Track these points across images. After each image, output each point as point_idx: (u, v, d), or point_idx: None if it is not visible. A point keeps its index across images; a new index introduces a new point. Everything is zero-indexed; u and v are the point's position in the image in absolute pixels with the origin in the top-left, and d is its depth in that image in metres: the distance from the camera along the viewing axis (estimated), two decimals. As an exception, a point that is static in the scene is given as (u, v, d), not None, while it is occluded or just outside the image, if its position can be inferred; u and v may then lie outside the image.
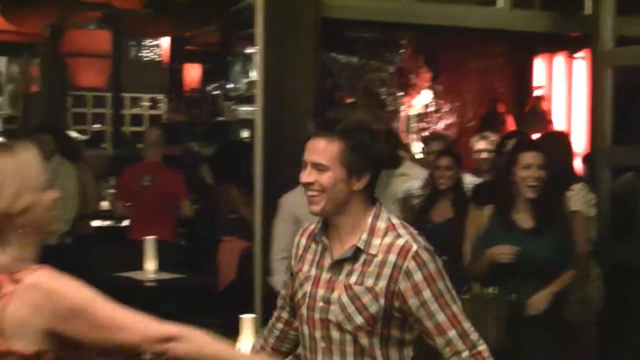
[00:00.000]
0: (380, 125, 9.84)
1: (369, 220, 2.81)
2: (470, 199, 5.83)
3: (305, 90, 6.24)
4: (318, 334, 2.83)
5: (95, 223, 9.05)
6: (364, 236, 2.79)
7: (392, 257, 2.74)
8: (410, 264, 2.72)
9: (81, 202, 7.72)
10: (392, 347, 2.79)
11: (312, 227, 3.05)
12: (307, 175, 2.82)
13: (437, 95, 10.02)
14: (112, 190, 10.56)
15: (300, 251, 3.03)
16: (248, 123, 13.84)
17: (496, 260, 4.88)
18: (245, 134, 13.52)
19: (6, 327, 2.07)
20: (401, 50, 10.01)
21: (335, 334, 2.79)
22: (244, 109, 14.38)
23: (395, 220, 2.84)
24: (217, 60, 15.13)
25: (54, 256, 7.07)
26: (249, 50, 15.17)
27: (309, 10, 6.27)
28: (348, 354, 2.78)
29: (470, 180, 6.22)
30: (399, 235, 2.78)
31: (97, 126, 18.97)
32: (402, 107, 10.06)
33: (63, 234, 7.41)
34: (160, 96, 18.45)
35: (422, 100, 10.06)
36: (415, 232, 2.84)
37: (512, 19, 7.01)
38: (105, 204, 9.98)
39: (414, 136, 10.06)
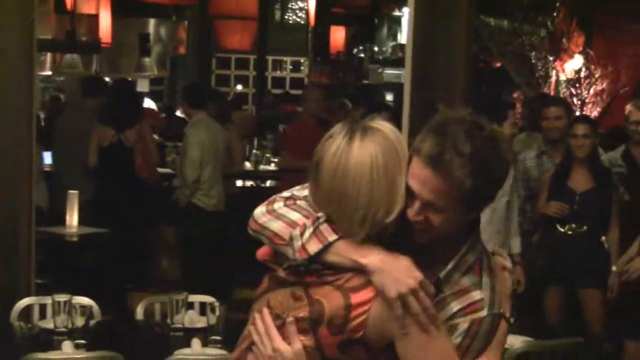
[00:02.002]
0: (530, 91, 9.61)
1: (464, 248, 2.18)
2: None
3: (457, 54, 6.09)
4: None
5: (239, 183, 9.19)
6: (450, 267, 2.16)
7: (454, 305, 2.14)
8: (463, 325, 2.13)
9: (227, 162, 7.81)
10: None
11: None
12: (416, 213, 2.11)
13: (589, 60, 9.68)
14: (256, 151, 10.74)
15: None
16: (394, 86, 13.79)
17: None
18: (390, 97, 13.46)
19: (369, 323, 2.06)
20: (554, 13, 9.71)
21: None
22: (390, 72, 14.31)
23: (485, 260, 2.20)
24: (363, 22, 15.07)
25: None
26: (396, 13, 15.08)
27: (461, -29, 6.12)
28: None
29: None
30: (479, 285, 2.16)
31: (239, 88, 19.25)
32: (552, 72, 9.76)
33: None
34: (303, 59, 18.55)
35: (573, 65, 9.74)
36: (497, 285, 2.20)
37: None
38: (248, 165, 10.13)
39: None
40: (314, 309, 2.08)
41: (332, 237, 2.10)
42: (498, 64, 11.31)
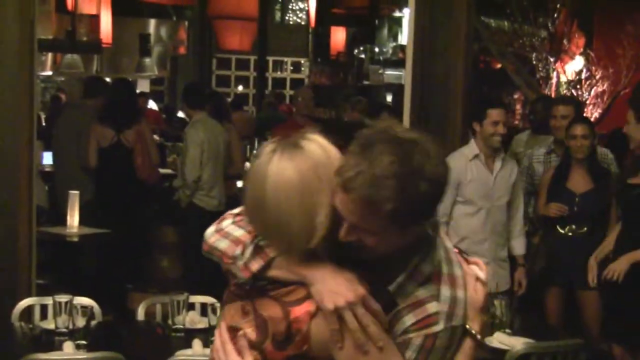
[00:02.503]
0: (530, 92, 9.61)
1: (415, 259, 2.06)
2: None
3: (456, 54, 6.11)
4: None
5: (239, 184, 9.18)
6: (401, 279, 2.05)
7: (408, 319, 2.04)
8: (417, 340, 2.03)
9: (227, 163, 7.80)
10: None
11: None
12: (346, 234, 1.99)
13: (590, 62, 9.68)
14: (256, 152, 10.75)
15: None
16: (394, 87, 13.80)
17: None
18: (389, 98, 13.47)
19: (312, 339, 2.00)
20: (555, 15, 9.71)
21: None
22: (391, 73, 14.34)
23: (445, 269, 2.08)
24: (363, 23, 15.07)
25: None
26: (396, 14, 15.08)
27: (462, -29, 6.12)
28: None
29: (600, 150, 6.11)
30: (436, 297, 2.05)
31: (240, 88, 19.25)
32: (553, 74, 9.77)
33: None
34: (303, 60, 18.55)
35: (574, 66, 9.75)
36: (461, 297, 2.07)
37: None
38: (248, 166, 10.13)
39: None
40: (257, 324, 2.05)
41: (273, 252, 2.04)
42: (498, 65, 11.32)
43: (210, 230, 2.21)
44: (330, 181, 1.97)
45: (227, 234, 2.16)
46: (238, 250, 2.08)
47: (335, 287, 1.98)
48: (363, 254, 2.03)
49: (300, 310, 2.00)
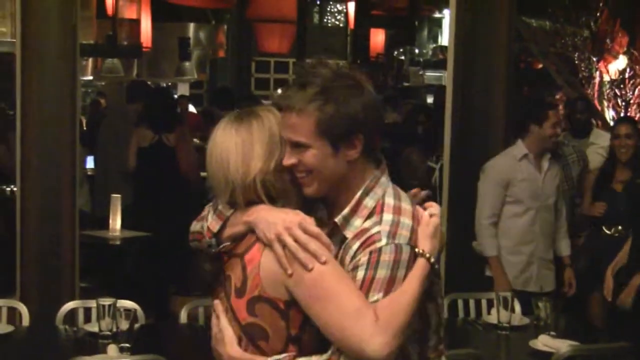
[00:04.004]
0: (572, 92, 9.52)
1: (358, 194, 2.25)
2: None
3: (498, 55, 6.07)
4: None
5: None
6: (345, 211, 2.24)
7: (355, 246, 2.20)
8: (363, 258, 2.16)
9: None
10: None
11: None
12: (287, 157, 2.24)
13: (634, 61, 9.56)
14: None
15: None
16: (434, 88, 13.75)
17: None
18: (430, 99, 13.40)
19: (262, 276, 2.18)
20: (597, 13, 9.61)
21: None
22: (431, 74, 14.26)
23: (388, 200, 2.24)
24: (403, 25, 15.02)
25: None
26: (436, 15, 15.02)
27: (503, -28, 6.09)
28: None
29: None
30: (379, 222, 2.20)
31: (279, 91, 19.30)
32: (595, 73, 9.66)
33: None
34: (342, 62, 18.56)
35: (617, 65, 9.63)
36: (407, 222, 2.22)
37: None
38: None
39: (608, 103, 9.67)
40: (226, 286, 2.26)
41: (229, 212, 2.30)
42: (540, 65, 11.22)
43: (193, 223, 2.47)
44: (272, 131, 2.26)
45: (201, 217, 2.43)
46: (204, 222, 2.37)
47: (272, 219, 2.19)
48: (307, 187, 2.25)
49: (251, 254, 2.21)
